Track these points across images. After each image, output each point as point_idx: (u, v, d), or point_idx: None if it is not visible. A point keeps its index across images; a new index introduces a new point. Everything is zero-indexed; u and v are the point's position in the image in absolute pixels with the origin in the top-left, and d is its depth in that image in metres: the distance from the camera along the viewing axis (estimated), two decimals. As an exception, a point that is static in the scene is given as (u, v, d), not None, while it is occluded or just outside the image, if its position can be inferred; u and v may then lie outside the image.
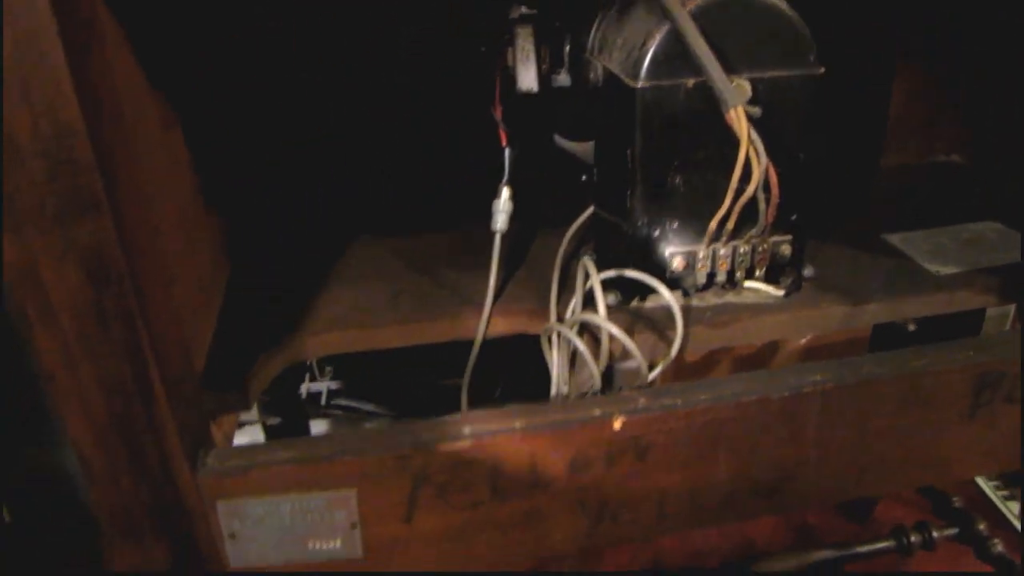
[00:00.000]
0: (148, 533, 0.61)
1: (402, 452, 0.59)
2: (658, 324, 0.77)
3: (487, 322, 0.82)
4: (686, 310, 0.78)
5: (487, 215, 0.83)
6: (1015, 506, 1.59)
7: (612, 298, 0.80)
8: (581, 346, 0.70)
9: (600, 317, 0.69)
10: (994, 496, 1.63)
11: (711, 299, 0.80)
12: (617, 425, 0.60)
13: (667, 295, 0.75)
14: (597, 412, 0.61)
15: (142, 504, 0.60)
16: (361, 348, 0.83)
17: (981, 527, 1.24)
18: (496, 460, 0.60)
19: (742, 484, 0.66)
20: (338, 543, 0.63)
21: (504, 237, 0.84)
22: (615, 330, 0.69)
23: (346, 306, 0.85)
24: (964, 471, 0.72)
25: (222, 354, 0.77)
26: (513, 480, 0.61)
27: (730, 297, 0.81)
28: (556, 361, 0.77)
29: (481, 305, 0.82)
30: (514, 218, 0.83)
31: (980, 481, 1.65)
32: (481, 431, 0.60)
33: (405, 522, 0.62)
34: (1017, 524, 1.55)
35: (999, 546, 1.23)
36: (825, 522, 1.57)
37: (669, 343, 0.74)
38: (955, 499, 1.30)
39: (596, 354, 0.72)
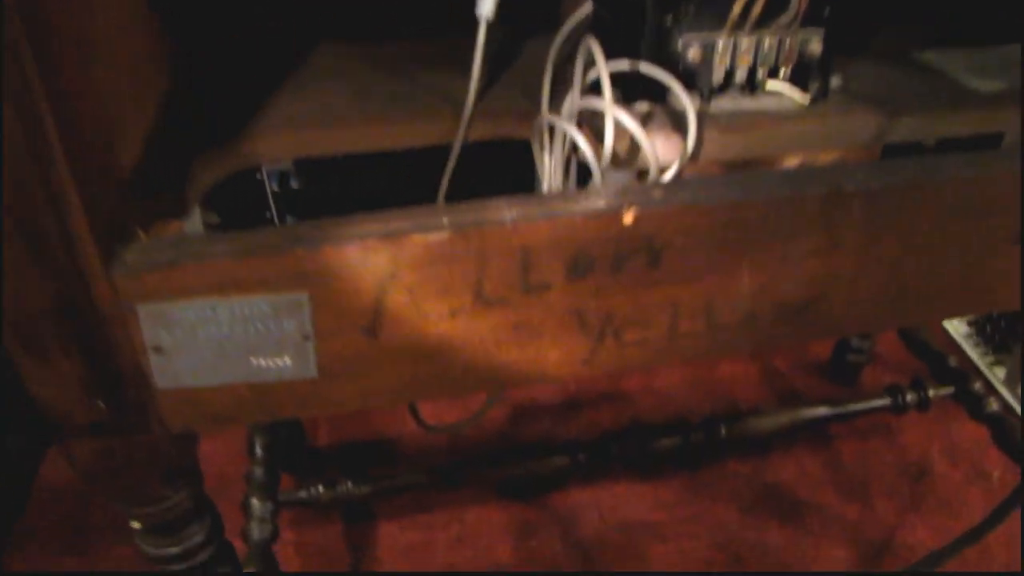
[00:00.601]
0: (54, 345, 0.50)
1: (367, 244, 0.48)
2: (671, 126, 0.66)
3: (468, 122, 0.70)
4: (701, 115, 0.67)
5: (473, 23, 0.70)
6: (1001, 372, 1.54)
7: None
8: (580, 139, 0.58)
9: (606, 102, 0.58)
10: (981, 362, 1.57)
11: (728, 105, 0.69)
12: (628, 219, 0.50)
13: (679, 91, 0.63)
14: (603, 204, 0.50)
15: (45, 306, 0.49)
16: (321, 151, 0.71)
17: (977, 386, 1.18)
18: (480, 258, 0.50)
19: (766, 301, 0.56)
20: (287, 359, 0.53)
21: (491, 32, 0.71)
22: (624, 116, 0.57)
23: (306, 105, 0.72)
24: (1008, 301, 0.63)
25: (156, 151, 0.65)
26: (501, 284, 0.51)
27: (748, 103, 0.69)
28: (548, 165, 0.65)
29: (462, 106, 0.70)
30: (503, 18, 0.70)
31: (967, 347, 1.60)
32: (463, 221, 0.49)
33: (369, 334, 0.52)
34: (1003, 391, 1.50)
35: (994, 404, 1.17)
36: (811, 386, 1.51)
37: (682, 144, 0.63)
38: (951, 359, 1.24)
39: (598, 153, 0.60)
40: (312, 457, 1.39)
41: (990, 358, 1.58)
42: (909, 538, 1.24)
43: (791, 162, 0.84)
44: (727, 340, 0.57)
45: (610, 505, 1.28)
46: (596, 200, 0.51)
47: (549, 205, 0.50)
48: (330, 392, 0.55)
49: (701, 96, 0.67)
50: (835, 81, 0.71)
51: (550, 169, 0.65)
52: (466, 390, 0.56)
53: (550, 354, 0.55)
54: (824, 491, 1.31)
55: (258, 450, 1.13)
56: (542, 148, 0.66)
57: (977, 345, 1.60)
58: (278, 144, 0.70)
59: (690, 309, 0.55)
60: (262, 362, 0.53)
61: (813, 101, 0.68)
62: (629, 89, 0.67)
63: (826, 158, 0.85)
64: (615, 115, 0.57)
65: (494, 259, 0.50)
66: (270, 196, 1.16)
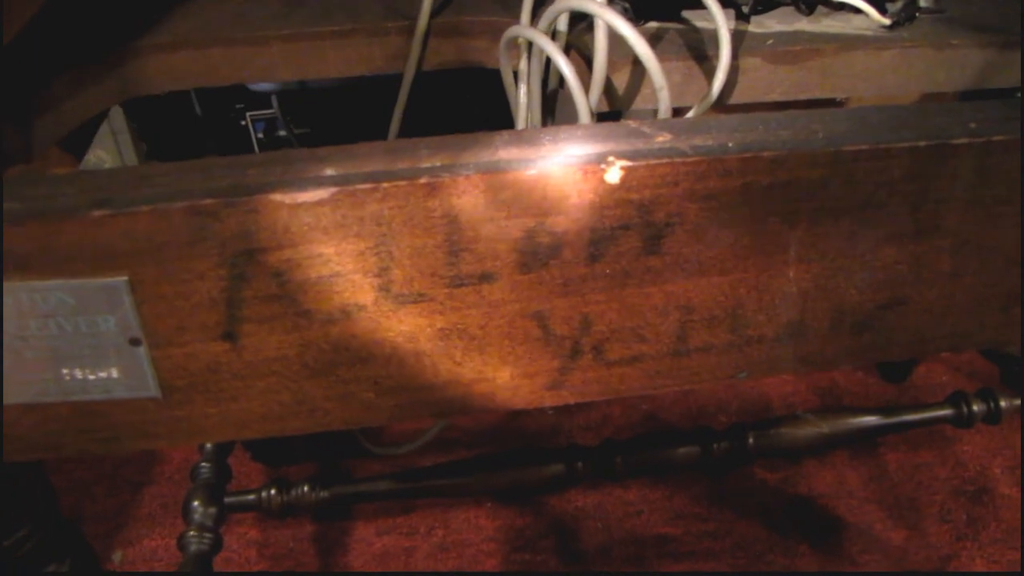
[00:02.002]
0: None
1: (204, 207, 0.31)
2: (692, 51, 0.48)
3: (422, 42, 0.53)
4: (737, 36, 0.49)
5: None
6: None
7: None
8: (557, 56, 0.40)
9: (596, 4, 0.40)
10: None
11: (777, 26, 0.51)
12: (613, 177, 0.32)
13: (710, 2, 0.45)
14: (575, 153, 0.33)
15: None
16: (229, 78, 0.54)
17: (1059, 397, 0.99)
18: (384, 233, 0.33)
19: (820, 305, 0.38)
20: (114, 371, 0.36)
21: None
22: (621, 23, 0.39)
23: (216, 15, 0.55)
24: None
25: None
26: (417, 272, 0.34)
27: (805, 24, 0.51)
28: (523, 99, 0.48)
29: (415, 21, 0.53)
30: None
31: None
32: (351, 174, 0.32)
33: (227, 340, 0.35)
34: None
35: (1077, 421, 0.98)
36: (855, 382, 1.33)
37: (708, 77, 0.45)
38: (1027, 361, 1.05)
39: (586, 82, 0.43)
40: (287, 443, 1.24)
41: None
42: (964, 570, 1.06)
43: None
44: (760, 359, 0.39)
45: (617, 514, 1.11)
46: (563, 146, 0.33)
47: (489, 152, 0.33)
48: (184, 417, 0.38)
49: (738, 12, 0.49)
50: (925, 0, 0.53)
51: (525, 106, 0.48)
52: (380, 419, 0.39)
53: (499, 374, 0.38)
54: (866, 509, 1.13)
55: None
56: (516, 75, 0.48)
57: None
58: (173, 66, 0.53)
59: (707, 314, 0.37)
60: (78, 374, 0.36)
61: (894, 24, 0.50)
62: (641, 7, 0.49)
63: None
64: (609, 21, 0.39)
65: (404, 235, 0.33)
66: (256, 148, 0.99)
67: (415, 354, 0.37)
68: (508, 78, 0.49)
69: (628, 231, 0.34)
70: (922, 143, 0.34)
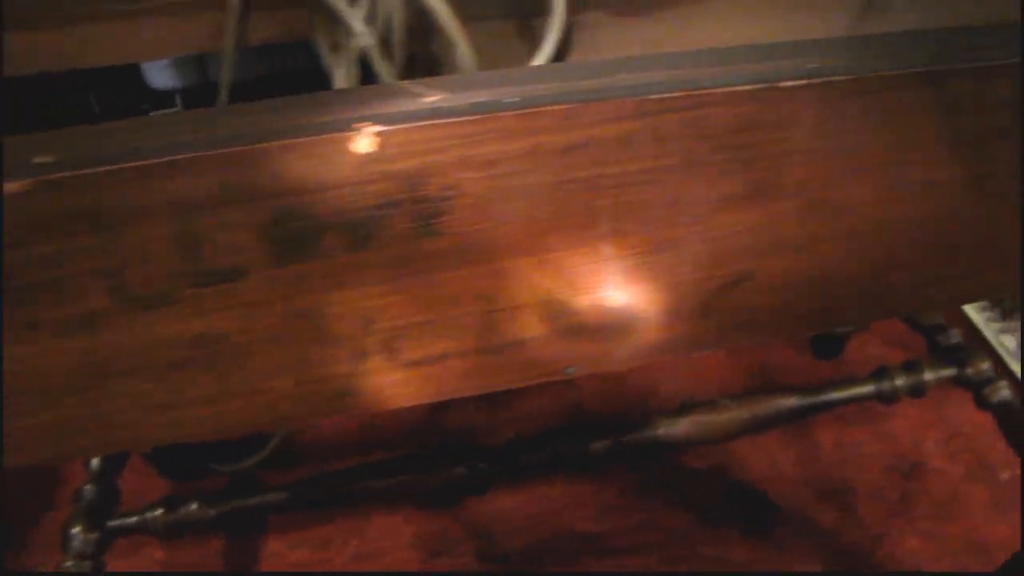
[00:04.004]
0: None
1: None
2: (529, 7, 0.42)
3: (240, 17, 0.47)
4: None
5: None
6: (1011, 341, 1.31)
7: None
8: (350, 17, 0.35)
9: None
10: (987, 330, 1.34)
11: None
12: (363, 144, 0.27)
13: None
14: (328, 118, 0.27)
15: None
16: (29, 68, 0.48)
17: (984, 367, 0.95)
18: (105, 225, 0.27)
19: (650, 288, 0.33)
20: None
21: None
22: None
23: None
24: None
25: None
26: (155, 270, 0.28)
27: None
28: (341, 77, 0.42)
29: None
30: None
31: (971, 312, 1.37)
32: (54, 159, 0.26)
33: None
34: (1013, 364, 1.27)
35: (1004, 390, 0.95)
36: (787, 360, 1.29)
37: (537, 42, 0.40)
38: (953, 332, 1.01)
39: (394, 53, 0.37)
40: (197, 457, 1.17)
41: (998, 325, 1.35)
42: (897, 549, 1.03)
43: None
44: (589, 351, 0.34)
45: (540, 512, 1.06)
46: (309, 114, 0.27)
47: (216, 125, 0.27)
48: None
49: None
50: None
51: (344, 79, 0.42)
52: (147, 441, 0.33)
53: (278, 384, 0.32)
54: (798, 491, 1.09)
55: (95, 460, 0.91)
56: (331, 50, 0.42)
57: (983, 309, 1.38)
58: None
59: (512, 303, 0.32)
60: None
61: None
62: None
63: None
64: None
65: (129, 227, 0.27)
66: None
67: (174, 365, 0.31)
68: (322, 50, 0.43)
69: (397, 209, 0.28)
70: (746, 87, 0.28)
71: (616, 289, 0.32)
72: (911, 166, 0.32)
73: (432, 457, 0.94)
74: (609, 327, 0.33)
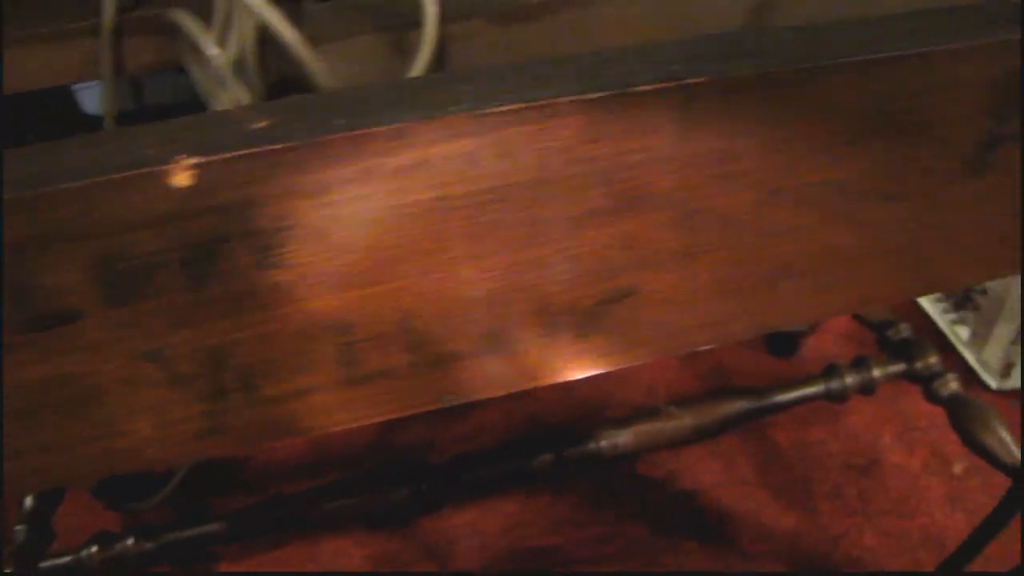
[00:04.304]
0: None
1: None
2: (403, 20, 0.41)
3: (114, 45, 0.45)
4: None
5: None
6: (964, 331, 1.31)
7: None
8: (200, 39, 0.33)
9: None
10: (940, 320, 1.34)
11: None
12: (182, 179, 0.25)
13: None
14: (146, 152, 0.25)
15: None
16: None
17: (932, 360, 0.95)
18: None
19: (519, 310, 0.31)
20: None
21: None
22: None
23: None
24: (958, 275, 0.39)
25: None
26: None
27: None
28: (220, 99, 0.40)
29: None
30: None
31: (925, 303, 1.37)
32: None
33: None
34: (967, 354, 1.27)
35: (952, 384, 0.94)
36: (742, 361, 1.28)
37: (414, 50, 0.38)
38: (903, 327, 1.00)
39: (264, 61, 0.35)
40: (138, 487, 1.14)
41: (951, 316, 1.35)
42: (855, 548, 1.02)
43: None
44: (465, 377, 0.32)
45: (495, 528, 1.05)
46: (127, 148, 0.26)
47: (36, 163, 0.25)
48: None
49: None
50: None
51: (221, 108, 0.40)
52: (18, 491, 0.32)
53: (138, 426, 0.31)
54: (756, 495, 1.08)
55: (28, 499, 0.88)
56: (200, 74, 0.40)
57: (938, 300, 1.37)
58: None
59: (371, 333, 0.30)
60: None
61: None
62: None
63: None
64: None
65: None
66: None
67: (26, 411, 0.29)
68: (193, 75, 0.41)
69: (231, 243, 0.26)
70: (594, 95, 0.27)
71: (483, 313, 0.31)
72: (791, 170, 0.31)
73: (382, 477, 0.92)
74: (481, 353, 0.32)
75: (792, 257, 0.34)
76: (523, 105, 0.26)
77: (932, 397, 0.95)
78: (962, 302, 1.34)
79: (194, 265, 0.27)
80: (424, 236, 0.28)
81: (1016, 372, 1.22)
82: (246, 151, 0.25)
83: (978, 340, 1.27)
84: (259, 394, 0.31)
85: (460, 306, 0.30)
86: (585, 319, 0.32)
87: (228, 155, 0.25)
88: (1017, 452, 0.87)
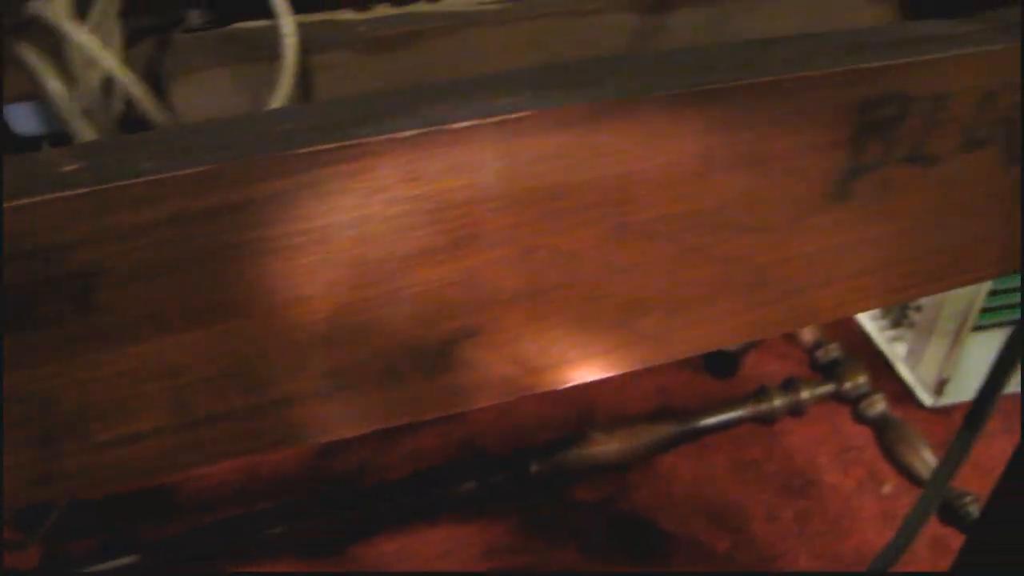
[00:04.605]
0: None
1: None
2: (267, 52, 0.40)
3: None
4: (322, 25, 0.41)
5: None
6: (902, 348, 1.32)
7: (198, 16, 0.42)
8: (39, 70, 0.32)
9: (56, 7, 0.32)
10: (879, 337, 1.35)
11: (388, 9, 0.44)
12: (-27, 222, 0.24)
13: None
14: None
15: None
16: None
17: (860, 380, 0.96)
18: None
19: (361, 351, 0.31)
20: None
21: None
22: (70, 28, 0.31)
23: None
24: (828, 307, 0.39)
25: None
26: None
27: (424, 4, 0.44)
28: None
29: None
30: None
31: (863, 319, 1.38)
32: None
33: None
34: (904, 372, 1.28)
35: (879, 404, 0.95)
36: (681, 382, 1.28)
37: (273, 83, 0.38)
38: (831, 347, 1.01)
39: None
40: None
41: (889, 333, 1.36)
42: (790, 570, 1.02)
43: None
44: (306, 420, 0.32)
45: (425, 556, 1.03)
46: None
47: None
48: None
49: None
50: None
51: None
52: None
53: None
54: (691, 518, 1.08)
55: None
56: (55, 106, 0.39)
57: (876, 317, 1.39)
58: None
59: (203, 375, 0.29)
60: None
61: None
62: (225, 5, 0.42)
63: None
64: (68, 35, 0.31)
65: None
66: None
67: None
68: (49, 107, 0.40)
69: (44, 288, 0.26)
70: (409, 132, 0.26)
71: (320, 354, 0.30)
72: (635, 204, 0.31)
73: (315, 503, 0.91)
74: (323, 394, 0.31)
75: (646, 293, 0.33)
76: (335, 145, 0.25)
77: (859, 418, 0.95)
78: (898, 319, 1.35)
79: (17, 311, 0.26)
80: (243, 279, 0.27)
81: (949, 388, 1.24)
82: (56, 194, 0.24)
83: (914, 357, 1.28)
84: (93, 439, 0.30)
85: (294, 348, 0.29)
86: (430, 359, 0.32)
87: (36, 199, 0.24)
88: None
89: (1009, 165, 0.38)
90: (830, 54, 0.31)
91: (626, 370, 0.35)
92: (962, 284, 0.43)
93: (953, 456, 0.47)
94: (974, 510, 0.82)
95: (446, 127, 0.26)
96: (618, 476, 1.12)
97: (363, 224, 0.27)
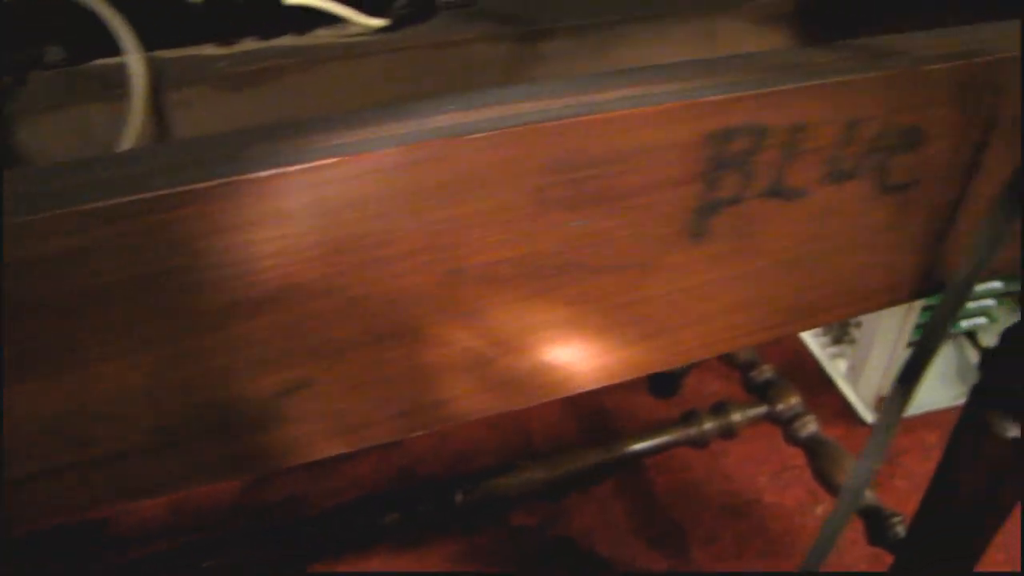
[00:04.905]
0: None
1: None
2: (116, 88, 0.38)
3: None
4: (182, 61, 0.40)
5: None
6: (843, 364, 1.32)
7: (56, 53, 0.40)
8: None
9: None
10: (821, 354, 1.35)
11: (254, 43, 0.42)
12: None
13: (118, 26, 0.36)
14: None
15: None
16: None
17: (793, 401, 0.95)
18: None
19: (189, 404, 0.29)
20: None
21: None
22: None
23: None
24: (694, 347, 0.38)
25: None
26: None
27: (288, 39, 0.42)
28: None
29: None
30: None
31: (806, 336, 1.38)
32: None
33: None
34: (845, 388, 1.28)
35: (811, 425, 0.94)
36: (624, 402, 1.27)
37: (124, 122, 0.36)
38: (764, 367, 1.00)
39: None
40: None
41: (831, 350, 1.36)
42: (727, 593, 1.01)
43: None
44: (135, 477, 0.30)
45: (361, 588, 1.01)
46: None
47: None
48: None
49: (209, 37, 0.41)
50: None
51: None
52: None
53: None
54: (629, 541, 1.06)
55: None
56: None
57: (818, 334, 1.39)
58: None
59: (34, 428, 0.27)
60: None
61: (397, 25, 0.42)
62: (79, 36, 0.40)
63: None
64: None
65: None
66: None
67: None
68: None
69: None
70: (207, 184, 0.25)
71: (146, 409, 0.28)
72: (467, 249, 0.29)
73: (249, 535, 0.89)
74: (155, 449, 0.29)
75: (493, 337, 0.32)
76: (130, 199, 0.24)
77: (791, 439, 0.95)
78: (840, 336, 1.35)
79: None
80: (55, 335, 0.25)
81: (890, 406, 1.23)
82: None
83: (854, 373, 1.28)
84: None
85: (119, 403, 0.28)
86: (259, 412, 0.30)
87: None
88: (869, 494, 0.87)
89: (884, 196, 0.38)
90: (674, 87, 0.30)
91: (478, 417, 0.34)
92: (849, 316, 0.42)
93: (866, 460, 0.46)
94: (901, 530, 0.82)
95: (249, 176, 0.25)
96: (554, 500, 1.10)
97: (173, 275, 0.26)
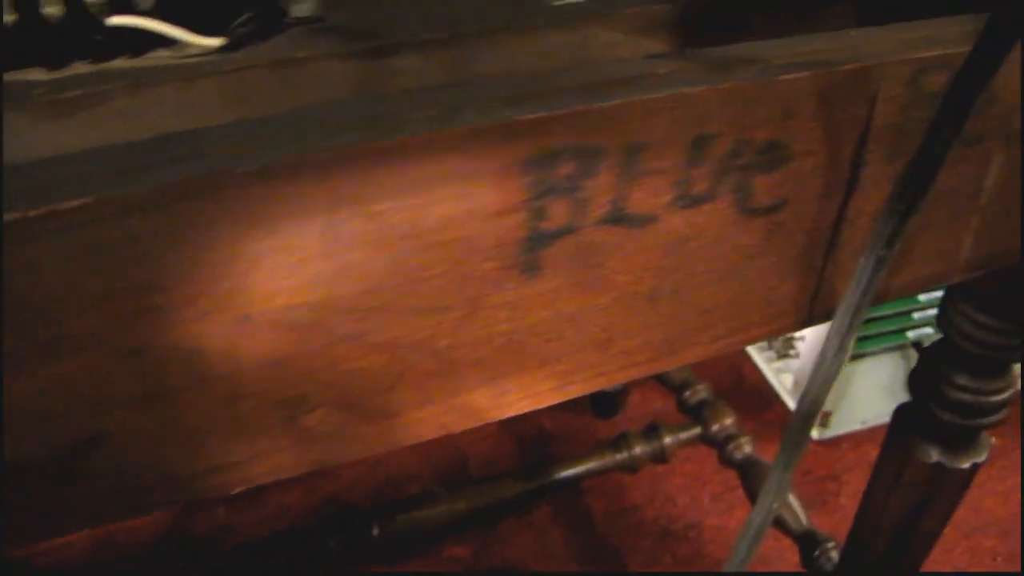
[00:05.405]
0: None
1: None
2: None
3: None
4: (12, 87, 0.36)
5: None
6: (789, 379, 1.30)
7: None
8: None
9: None
10: (767, 368, 1.33)
11: (85, 67, 0.39)
12: None
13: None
14: None
15: None
16: None
17: (727, 423, 0.92)
18: None
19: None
20: None
21: None
22: None
23: None
24: (541, 390, 0.35)
25: None
26: None
27: (120, 61, 0.39)
28: None
29: None
30: None
31: (752, 350, 1.36)
32: None
33: None
34: (789, 401, 1.27)
35: (746, 447, 0.92)
36: (566, 422, 1.24)
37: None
38: (699, 387, 0.98)
39: None
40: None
41: (777, 364, 1.34)
42: (664, 621, 0.98)
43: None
44: None
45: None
46: None
47: None
48: None
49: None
50: (305, 7, 0.42)
51: None
52: None
53: None
54: (565, 569, 1.03)
55: None
56: None
57: (763, 348, 1.37)
58: None
59: None
60: None
61: (233, 45, 0.39)
62: None
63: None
64: None
65: None
66: None
67: None
68: None
69: None
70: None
71: None
72: (254, 295, 0.26)
73: (173, 567, 0.85)
74: None
75: (302, 388, 0.29)
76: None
77: (726, 461, 0.92)
78: (783, 351, 1.33)
79: None
80: None
81: (834, 420, 1.22)
82: None
83: (799, 388, 1.26)
84: None
85: None
86: (59, 469, 0.27)
87: None
88: (804, 518, 0.84)
89: (749, 219, 0.35)
90: (484, 106, 0.27)
91: (301, 472, 0.30)
92: (729, 348, 0.40)
93: (765, 500, 0.43)
94: (835, 555, 0.79)
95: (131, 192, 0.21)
96: (489, 527, 1.07)
97: None
